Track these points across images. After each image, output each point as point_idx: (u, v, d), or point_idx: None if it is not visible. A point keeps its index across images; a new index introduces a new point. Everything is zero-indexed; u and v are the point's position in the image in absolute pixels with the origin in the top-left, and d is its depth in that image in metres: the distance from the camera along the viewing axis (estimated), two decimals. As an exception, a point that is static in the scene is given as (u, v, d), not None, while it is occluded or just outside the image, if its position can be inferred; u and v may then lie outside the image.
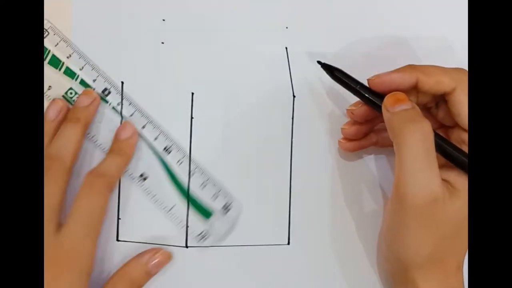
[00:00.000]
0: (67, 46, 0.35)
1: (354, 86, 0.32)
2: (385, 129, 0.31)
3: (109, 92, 0.35)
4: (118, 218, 0.35)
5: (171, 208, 0.35)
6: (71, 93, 0.35)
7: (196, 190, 0.35)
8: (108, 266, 0.35)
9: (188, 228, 0.35)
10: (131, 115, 0.35)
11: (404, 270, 0.30)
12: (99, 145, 0.35)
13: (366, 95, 0.32)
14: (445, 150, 0.30)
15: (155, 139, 0.35)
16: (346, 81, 0.32)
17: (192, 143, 0.36)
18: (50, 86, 0.35)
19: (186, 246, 0.35)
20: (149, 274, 0.34)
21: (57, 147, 0.32)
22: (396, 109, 0.30)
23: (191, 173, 0.35)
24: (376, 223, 0.36)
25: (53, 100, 0.34)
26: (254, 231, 0.36)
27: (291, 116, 0.36)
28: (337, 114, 0.36)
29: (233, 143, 0.36)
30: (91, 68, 0.35)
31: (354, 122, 0.34)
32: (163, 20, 0.36)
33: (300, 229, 0.36)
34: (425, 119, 0.29)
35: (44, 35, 0.35)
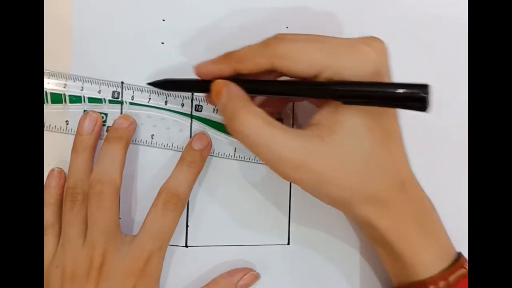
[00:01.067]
0: (57, 79, 0.35)
1: (191, 86, 0.33)
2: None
3: (119, 93, 0.35)
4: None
5: (234, 152, 0.36)
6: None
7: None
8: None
9: (188, 227, 0.35)
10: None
11: (352, 212, 0.29)
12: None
13: (203, 87, 0.31)
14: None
15: (182, 105, 0.36)
16: (182, 86, 0.33)
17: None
18: (67, 121, 0.35)
19: (186, 246, 0.36)
20: None
21: (105, 169, 0.33)
22: (222, 101, 0.29)
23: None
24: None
25: (86, 112, 0.35)
26: (254, 231, 0.36)
27: (291, 116, 0.36)
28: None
29: (233, 142, 0.36)
30: (90, 83, 0.35)
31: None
32: (163, 20, 0.36)
33: (300, 229, 0.36)
34: (246, 103, 0.29)
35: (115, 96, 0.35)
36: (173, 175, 0.34)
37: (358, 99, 0.27)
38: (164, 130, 0.35)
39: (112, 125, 0.34)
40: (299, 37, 0.29)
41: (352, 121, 0.28)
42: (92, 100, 0.35)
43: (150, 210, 0.33)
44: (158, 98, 0.36)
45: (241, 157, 0.36)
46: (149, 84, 0.34)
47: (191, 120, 0.36)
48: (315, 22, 0.36)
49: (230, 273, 0.34)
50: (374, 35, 0.29)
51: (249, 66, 0.29)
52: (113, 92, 0.35)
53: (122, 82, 0.35)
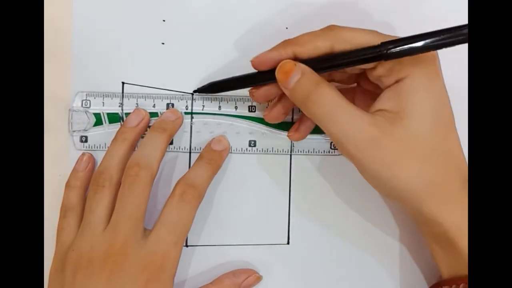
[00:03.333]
0: (112, 98, 0.35)
1: (238, 82, 0.33)
2: None
3: (173, 104, 0.36)
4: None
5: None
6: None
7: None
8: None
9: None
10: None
11: (418, 209, 0.29)
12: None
13: (253, 79, 0.32)
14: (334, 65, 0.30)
15: (219, 108, 0.36)
16: (229, 85, 0.33)
17: (192, 141, 0.36)
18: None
19: (186, 245, 0.36)
20: None
21: (145, 155, 0.32)
22: (290, 84, 0.30)
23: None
24: (376, 222, 0.36)
25: (136, 109, 0.35)
26: (254, 230, 0.36)
27: (291, 116, 0.36)
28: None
29: (233, 142, 0.36)
30: (144, 99, 0.35)
31: (271, 106, 0.34)
32: (163, 20, 0.36)
33: (300, 228, 0.36)
34: (320, 79, 0.29)
35: (88, 105, 0.35)
36: (191, 169, 0.34)
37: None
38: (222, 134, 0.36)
39: (159, 117, 0.35)
40: (355, 28, 0.30)
41: (418, 108, 0.29)
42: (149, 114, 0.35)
43: (166, 202, 0.32)
44: (211, 104, 0.36)
45: (300, 151, 0.36)
46: (195, 91, 0.34)
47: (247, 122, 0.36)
48: (315, 22, 0.36)
49: (235, 274, 0.35)
50: None
51: (309, 48, 0.30)
52: (167, 104, 0.35)
53: (123, 83, 0.35)
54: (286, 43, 0.30)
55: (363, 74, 0.32)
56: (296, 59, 0.30)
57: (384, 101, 0.30)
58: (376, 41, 0.29)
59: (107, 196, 0.32)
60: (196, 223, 0.35)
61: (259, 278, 0.35)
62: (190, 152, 0.36)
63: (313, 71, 0.30)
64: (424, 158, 0.29)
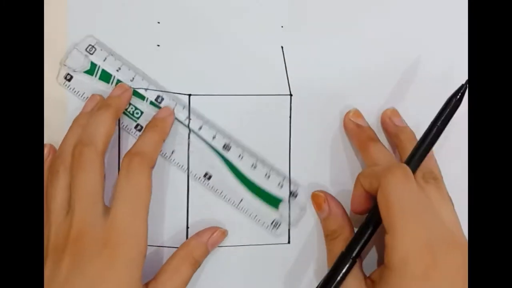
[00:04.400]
0: (115, 60, 0.35)
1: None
2: None
3: (162, 99, 0.36)
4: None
5: (240, 202, 0.35)
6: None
7: (261, 182, 0.36)
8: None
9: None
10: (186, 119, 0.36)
11: None
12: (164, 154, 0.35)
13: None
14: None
15: (213, 138, 0.35)
16: None
17: (190, 145, 0.36)
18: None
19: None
20: (207, 252, 0.34)
21: (88, 133, 0.32)
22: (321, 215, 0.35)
23: (253, 165, 0.36)
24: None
25: (92, 95, 0.35)
26: (254, 230, 0.36)
27: (289, 115, 0.36)
28: (334, 112, 0.36)
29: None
30: (142, 78, 0.35)
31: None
32: (158, 22, 0.36)
33: (301, 228, 0.36)
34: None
35: (91, 52, 0.35)
36: (136, 141, 0.33)
37: None
38: (186, 151, 0.36)
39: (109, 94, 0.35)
40: (410, 193, 0.29)
41: None
42: (135, 94, 0.35)
43: (117, 178, 0.32)
44: (196, 119, 0.36)
45: (245, 210, 0.36)
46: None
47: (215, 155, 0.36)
48: (311, 22, 0.36)
49: (199, 234, 0.34)
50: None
51: (367, 185, 0.32)
52: (158, 96, 0.36)
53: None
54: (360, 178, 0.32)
55: None
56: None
57: (376, 273, 0.31)
58: None
59: (63, 180, 0.31)
60: (197, 224, 0.36)
61: (224, 233, 0.35)
62: (189, 153, 0.36)
63: (341, 213, 0.34)
64: None
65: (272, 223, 0.36)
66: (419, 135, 0.33)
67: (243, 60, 0.36)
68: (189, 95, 0.36)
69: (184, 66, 0.36)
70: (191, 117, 0.36)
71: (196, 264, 0.33)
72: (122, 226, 0.30)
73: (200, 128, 0.35)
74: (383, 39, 0.36)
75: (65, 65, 0.35)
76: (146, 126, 0.34)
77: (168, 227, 0.36)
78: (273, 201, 0.36)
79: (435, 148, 0.32)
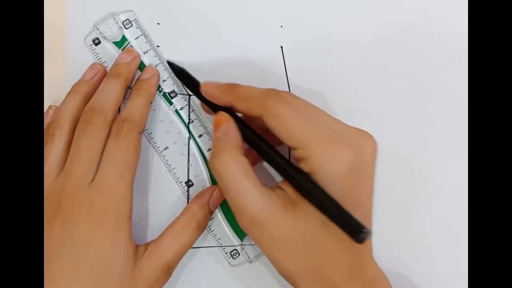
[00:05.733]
0: (146, 42, 0.35)
1: (192, 89, 0.33)
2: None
3: (176, 95, 0.35)
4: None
5: (210, 219, 0.35)
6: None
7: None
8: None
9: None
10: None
11: (296, 286, 0.30)
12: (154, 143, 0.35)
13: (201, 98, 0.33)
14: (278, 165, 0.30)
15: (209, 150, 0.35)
16: (187, 83, 0.34)
17: (190, 145, 0.35)
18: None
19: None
20: (210, 213, 0.34)
21: (99, 100, 0.32)
22: (217, 134, 0.31)
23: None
24: (373, 220, 0.36)
25: (93, 63, 0.35)
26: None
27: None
28: (333, 111, 0.36)
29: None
30: (164, 69, 0.35)
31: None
32: (158, 23, 0.36)
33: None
34: (237, 145, 0.30)
35: (127, 26, 0.35)
36: (123, 107, 0.33)
37: (312, 203, 0.29)
38: (164, 132, 0.35)
39: (115, 60, 0.34)
40: (295, 104, 0.30)
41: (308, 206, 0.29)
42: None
43: (106, 144, 0.32)
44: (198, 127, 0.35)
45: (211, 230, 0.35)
46: (168, 62, 0.34)
47: (189, 141, 0.35)
48: (310, 21, 0.36)
49: (199, 196, 0.34)
50: (365, 129, 0.30)
51: (243, 108, 0.31)
52: (172, 91, 0.35)
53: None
54: (229, 90, 0.31)
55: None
56: (233, 108, 0.31)
57: (287, 184, 0.30)
58: (302, 137, 0.29)
59: (58, 144, 0.31)
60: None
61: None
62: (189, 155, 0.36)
63: (236, 136, 0.31)
64: (306, 249, 0.29)
65: (231, 252, 0.35)
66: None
67: (243, 60, 0.36)
68: (189, 95, 0.36)
69: (184, 66, 0.35)
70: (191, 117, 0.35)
71: (201, 227, 0.33)
72: (109, 188, 0.30)
73: (200, 136, 0.35)
74: (383, 39, 0.37)
75: (97, 29, 0.35)
76: (132, 89, 0.34)
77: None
78: (239, 233, 0.34)
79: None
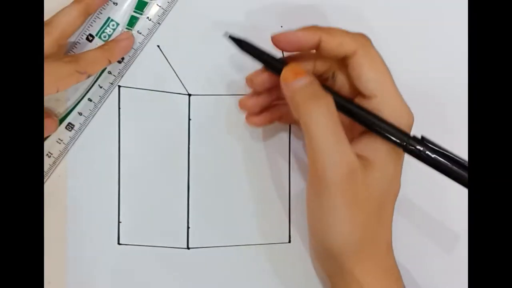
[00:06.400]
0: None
1: (260, 55, 0.31)
2: (286, 105, 0.30)
3: None
4: (119, 222, 0.35)
5: None
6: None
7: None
8: (110, 270, 0.35)
9: (189, 229, 0.35)
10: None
11: (338, 262, 0.29)
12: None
13: (270, 61, 0.31)
14: (354, 114, 0.30)
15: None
16: (254, 51, 0.31)
17: (190, 145, 0.36)
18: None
19: (188, 248, 0.36)
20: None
21: (50, 19, 0.33)
22: (295, 85, 0.29)
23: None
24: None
25: None
26: (255, 230, 0.36)
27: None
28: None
29: (230, 142, 0.36)
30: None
31: (253, 94, 0.33)
32: (158, 23, 0.36)
33: (301, 226, 0.36)
34: (326, 93, 0.29)
35: None
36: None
37: (422, 160, 0.29)
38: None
39: None
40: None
41: (388, 166, 0.29)
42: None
43: None
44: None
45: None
46: (230, 37, 0.32)
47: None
48: (310, 21, 0.36)
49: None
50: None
51: (336, 42, 0.29)
52: None
53: (119, 86, 0.35)
54: (315, 27, 0.30)
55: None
56: (315, 54, 0.30)
57: (361, 146, 0.30)
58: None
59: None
60: (198, 225, 0.36)
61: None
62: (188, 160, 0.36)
63: (320, 86, 0.29)
64: (372, 215, 0.29)
65: None
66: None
67: (243, 60, 0.36)
68: (189, 95, 0.36)
69: (184, 66, 0.36)
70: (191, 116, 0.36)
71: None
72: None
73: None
74: (383, 39, 0.36)
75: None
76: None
77: (168, 227, 0.36)
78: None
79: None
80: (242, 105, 0.34)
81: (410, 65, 0.36)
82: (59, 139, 0.35)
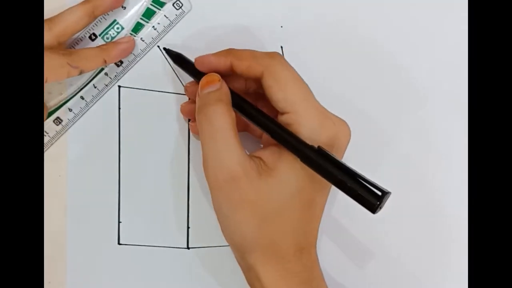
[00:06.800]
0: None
1: (190, 68, 0.33)
2: None
3: None
4: (119, 222, 0.35)
5: None
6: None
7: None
8: (110, 270, 0.35)
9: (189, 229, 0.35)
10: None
11: (242, 256, 0.30)
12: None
13: (197, 73, 0.32)
14: (261, 124, 0.30)
15: None
16: (185, 64, 0.33)
17: (190, 145, 0.36)
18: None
19: (188, 248, 0.36)
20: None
21: (54, 17, 0.33)
22: (203, 91, 0.30)
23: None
24: (370, 219, 0.36)
25: None
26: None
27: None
28: (337, 112, 0.36)
29: None
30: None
31: (191, 101, 0.34)
32: (158, 23, 0.35)
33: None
34: (225, 99, 0.30)
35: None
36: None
37: (319, 172, 0.28)
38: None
39: None
40: (295, 72, 0.31)
41: (289, 175, 0.29)
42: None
43: None
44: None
45: None
46: (164, 49, 0.34)
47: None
48: (310, 21, 0.36)
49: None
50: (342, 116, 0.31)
51: (243, 67, 0.30)
52: None
53: (119, 86, 0.36)
54: (228, 52, 0.31)
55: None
56: (231, 71, 0.31)
57: (267, 153, 0.30)
58: (296, 101, 0.30)
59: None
60: (197, 225, 0.36)
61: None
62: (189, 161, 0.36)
63: (228, 94, 0.30)
64: (270, 215, 0.29)
65: None
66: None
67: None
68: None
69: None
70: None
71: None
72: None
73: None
74: (383, 39, 0.37)
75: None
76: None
77: (168, 227, 0.36)
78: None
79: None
80: (182, 110, 0.35)
81: (410, 65, 0.36)
82: (45, 132, 0.35)
